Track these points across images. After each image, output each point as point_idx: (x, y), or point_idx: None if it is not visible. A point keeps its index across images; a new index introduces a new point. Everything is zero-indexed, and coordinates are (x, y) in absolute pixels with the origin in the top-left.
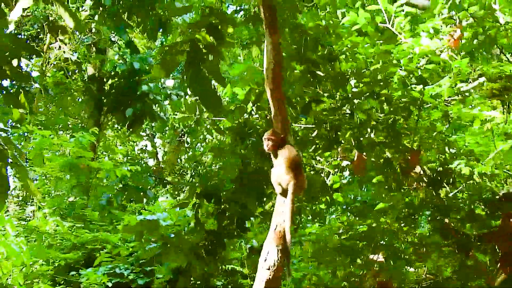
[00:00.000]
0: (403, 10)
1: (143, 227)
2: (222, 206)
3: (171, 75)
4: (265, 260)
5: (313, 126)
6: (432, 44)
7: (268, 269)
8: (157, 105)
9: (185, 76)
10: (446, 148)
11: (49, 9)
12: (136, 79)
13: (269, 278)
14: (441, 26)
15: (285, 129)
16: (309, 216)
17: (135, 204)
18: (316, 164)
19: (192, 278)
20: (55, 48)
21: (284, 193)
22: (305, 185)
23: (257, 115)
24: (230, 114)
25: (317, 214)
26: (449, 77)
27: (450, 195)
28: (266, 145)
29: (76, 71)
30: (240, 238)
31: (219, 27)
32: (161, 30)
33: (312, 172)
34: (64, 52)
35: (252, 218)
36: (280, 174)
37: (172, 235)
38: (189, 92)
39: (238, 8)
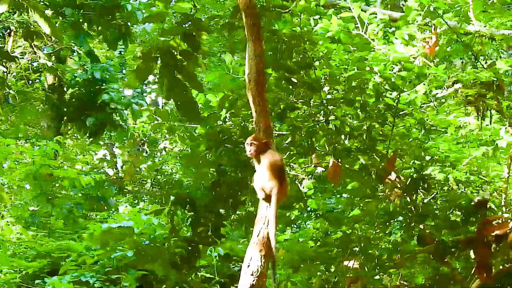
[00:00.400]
0: (376, 17)
1: (111, 236)
2: (197, 214)
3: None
4: (248, 266)
5: (288, 132)
6: (406, 51)
7: (252, 275)
8: (117, 114)
9: (160, 84)
10: (422, 154)
11: (24, 15)
12: (96, 88)
13: (252, 284)
14: (416, 32)
15: (267, 134)
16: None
17: (97, 213)
18: (290, 171)
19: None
20: (22, 54)
21: (267, 198)
22: (287, 191)
23: (231, 122)
24: (204, 121)
25: (291, 222)
26: (424, 84)
27: (425, 201)
28: (249, 150)
29: (37, 80)
30: (215, 245)
31: (194, 34)
32: (121, 40)
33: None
34: (39, 57)
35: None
36: (263, 179)
37: (147, 242)
38: (160, 101)
39: (211, 15)
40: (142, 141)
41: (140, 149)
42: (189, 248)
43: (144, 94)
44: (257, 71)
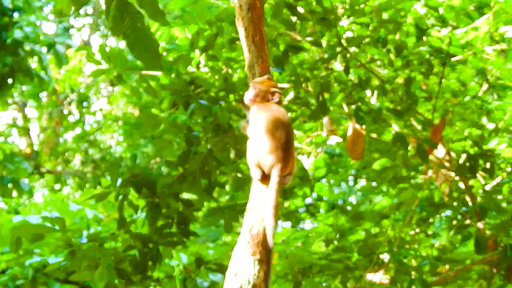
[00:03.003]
0: None
1: (26, 233)
2: (157, 200)
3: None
4: (235, 275)
5: (289, 85)
6: None
7: None
8: (35, 58)
9: (106, 11)
10: (483, 120)
11: None
12: (5, 21)
13: None
14: None
15: None
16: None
17: (5, 199)
18: None
19: None
20: None
21: (264, 179)
22: (294, 169)
23: (207, 69)
24: (168, 67)
25: (291, 214)
26: (487, 18)
27: (487, 188)
28: (254, 96)
29: None
30: (182, 246)
31: None
32: None
33: None
34: None
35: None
36: (260, 150)
37: (84, 240)
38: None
39: None
40: (67, 100)
41: (65, 111)
42: (145, 249)
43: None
44: None
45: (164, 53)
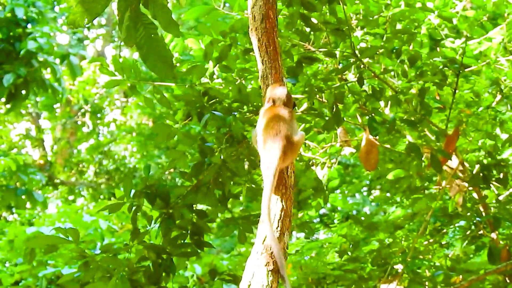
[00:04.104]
0: None
1: (39, 244)
2: (170, 211)
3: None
4: (249, 286)
5: (303, 95)
6: None
7: None
8: (48, 69)
9: (119, 22)
10: (497, 130)
11: None
12: (18, 32)
13: None
14: None
15: None
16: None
17: (18, 211)
18: (306, 152)
19: None
20: None
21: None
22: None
23: (221, 80)
24: (182, 78)
25: (305, 225)
26: (501, 28)
27: (501, 199)
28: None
29: None
30: (196, 256)
31: None
32: None
33: (300, 164)
34: None
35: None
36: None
37: (98, 252)
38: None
39: None
40: (81, 111)
41: (79, 122)
42: (158, 260)
43: (86, 41)
44: (266, 2)
45: (178, 64)
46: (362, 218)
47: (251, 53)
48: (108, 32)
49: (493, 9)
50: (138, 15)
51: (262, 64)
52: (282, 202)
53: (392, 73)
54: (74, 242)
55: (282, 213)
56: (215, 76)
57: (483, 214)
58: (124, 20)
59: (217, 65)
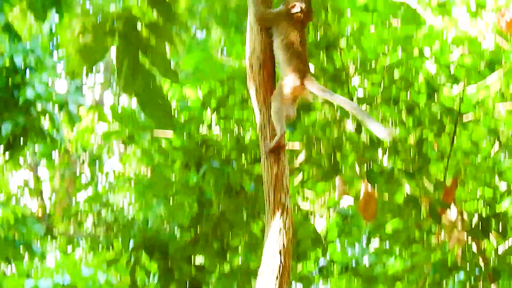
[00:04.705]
0: None
1: None
2: (169, 265)
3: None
4: None
5: (302, 145)
6: (472, 27)
7: None
8: (47, 117)
9: (117, 70)
10: (495, 180)
11: None
12: (17, 81)
13: None
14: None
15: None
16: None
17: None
18: (304, 202)
19: None
20: None
21: None
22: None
23: (219, 129)
24: (180, 127)
25: (304, 279)
26: (498, 76)
27: (500, 251)
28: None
29: None
30: None
31: None
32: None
33: (298, 215)
34: None
35: None
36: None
37: None
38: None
39: None
40: (80, 159)
41: (78, 171)
42: None
43: (85, 87)
44: (264, 52)
45: (176, 113)
46: (362, 270)
47: (249, 101)
48: (106, 78)
49: (490, 57)
50: (137, 64)
51: (260, 114)
52: (280, 256)
53: (390, 121)
54: None
55: (281, 269)
56: (213, 125)
57: (483, 266)
58: (123, 69)
59: (215, 113)
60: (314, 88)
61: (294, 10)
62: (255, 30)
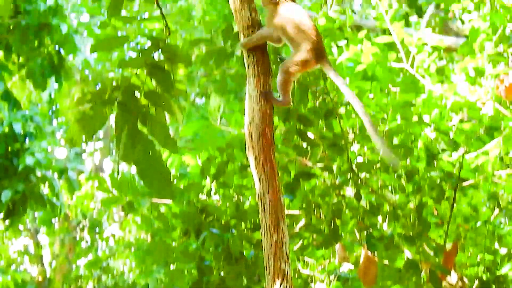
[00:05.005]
0: (426, 44)
1: None
2: None
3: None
4: None
5: (301, 211)
6: (471, 94)
7: None
8: (46, 184)
9: (116, 139)
10: (496, 245)
11: None
12: (16, 148)
13: None
14: (485, 66)
15: (278, 218)
16: None
17: None
18: (304, 269)
19: None
20: None
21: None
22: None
23: (218, 197)
24: (179, 195)
25: None
26: (497, 142)
27: None
28: None
29: None
30: None
31: (166, 66)
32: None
33: (298, 281)
34: None
35: None
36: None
37: None
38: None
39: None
40: (80, 225)
41: (78, 237)
42: None
43: (85, 154)
44: (263, 120)
45: (175, 181)
46: None
47: (248, 168)
48: (106, 145)
49: (489, 122)
50: (136, 132)
51: (259, 182)
52: None
53: (390, 188)
54: None
55: None
56: (212, 192)
57: None
58: (122, 137)
59: (215, 181)
60: (328, 71)
61: None
62: (254, 99)
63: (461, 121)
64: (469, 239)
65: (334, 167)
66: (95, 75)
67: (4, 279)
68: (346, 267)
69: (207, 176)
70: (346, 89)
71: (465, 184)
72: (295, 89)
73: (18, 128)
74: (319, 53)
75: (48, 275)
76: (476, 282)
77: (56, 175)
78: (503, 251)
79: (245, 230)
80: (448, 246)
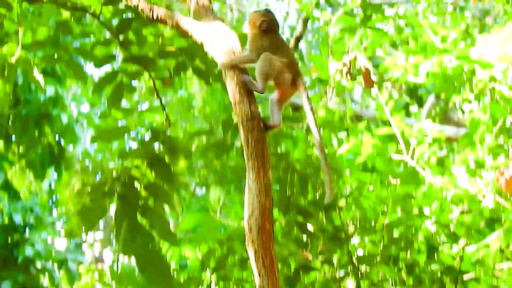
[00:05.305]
0: (426, 135)
1: None
2: None
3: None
4: None
5: None
6: (471, 186)
7: None
8: (46, 275)
9: (116, 232)
10: None
11: None
12: (16, 239)
13: None
14: (486, 158)
15: None
16: None
17: None
18: None
19: None
20: None
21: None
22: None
23: None
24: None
25: None
26: (498, 234)
27: None
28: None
29: None
30: None
31: (166, 158)
32: (52, 166)
33: None
34: None
35: None
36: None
37: None
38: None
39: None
40: None
41: None
42: None
43: (85, 245)
44: (262, 214)
45: (175, 273)
46: None
47: (248, 261)
48: (106, 236)
49: (490, 215)
50: (136, 225)
51: (259, 276)
52: None
53: (391, 281)
54: None
55: None
56: (212, 285)
57: None
58: (122, 230)
59: (214, 274)
60: (301, 93)
61: (260, 25)
62: (253, 192)
63: (462, 213)
64: None
65: (335, 259)
66: (95, 165)
67: None
68: None
69: (207, 269)
70: (310, 114)
71: (466, 277)
72: (295, 181)
73: (18, 219)
74: (294, 71)
75: None
76: None
77: (56, 266)
78: None
79: None
80: None
